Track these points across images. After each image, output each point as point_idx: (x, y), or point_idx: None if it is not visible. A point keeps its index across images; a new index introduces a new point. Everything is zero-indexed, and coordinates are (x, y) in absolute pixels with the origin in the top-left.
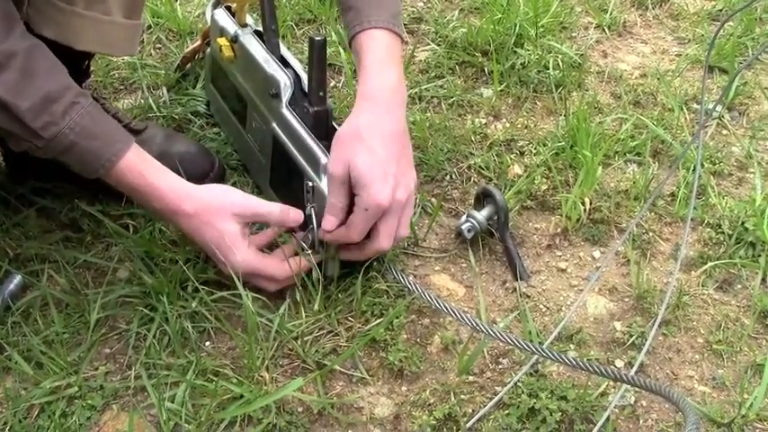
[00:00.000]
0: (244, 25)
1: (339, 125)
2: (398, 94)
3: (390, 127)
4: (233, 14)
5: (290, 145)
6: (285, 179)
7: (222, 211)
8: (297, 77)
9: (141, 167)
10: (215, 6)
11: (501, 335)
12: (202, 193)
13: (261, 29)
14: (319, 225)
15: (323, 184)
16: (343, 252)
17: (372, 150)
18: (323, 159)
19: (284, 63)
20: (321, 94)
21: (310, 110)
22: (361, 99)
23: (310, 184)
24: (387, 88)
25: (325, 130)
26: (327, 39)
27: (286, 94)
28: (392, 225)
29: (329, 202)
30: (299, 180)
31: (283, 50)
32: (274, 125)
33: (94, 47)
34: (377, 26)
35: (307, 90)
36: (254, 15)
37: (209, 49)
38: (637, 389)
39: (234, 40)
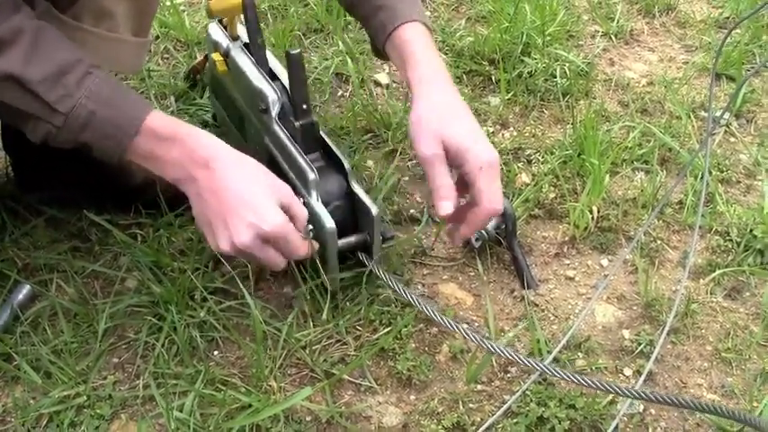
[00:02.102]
0: (235, 38)
1: (325, 132)
2: (449, 75)
3: (461, 101)
4: (225, 28)
5: (281, 160)
6: None
7: (267, 176)
8: (285, 90)
9: (170, 119)
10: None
11: (501, 350)
12: (246, 156)
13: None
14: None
15: (313, 200)
16: (458, 230)
17: (462, 120)
18: (311, 175)
19: (273, 76)
20: (305, 107)
21: (296, 124)
22: (425, 83)
23: (302, 200)
24: (443, 70)
25: (313, 142)
26: (335, 48)
27: (275, 109)
28: (499, 184)
29: (436, 188)
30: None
31: (273, 62)
32: (267, 140)
33: (101, 64)
34: (412, 18)
35: (290, 104)
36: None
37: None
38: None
39: (225, 54)
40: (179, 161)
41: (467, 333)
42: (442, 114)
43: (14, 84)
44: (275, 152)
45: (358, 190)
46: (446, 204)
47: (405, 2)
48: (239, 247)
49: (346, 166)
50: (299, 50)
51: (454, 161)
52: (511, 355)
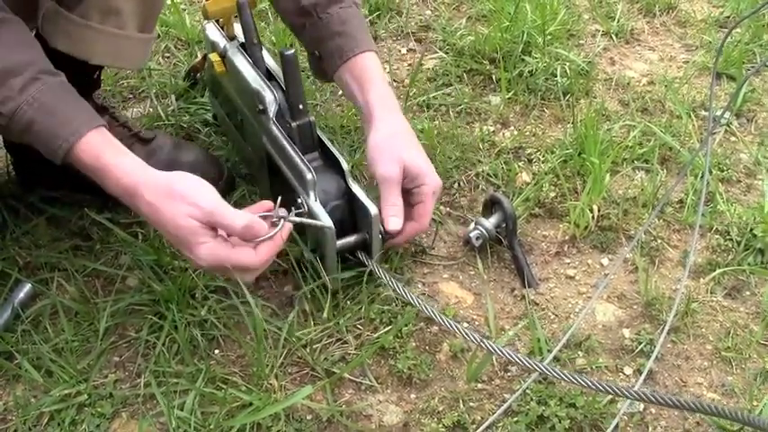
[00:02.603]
0: (232, 38)
1: (323, 131)
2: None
3: (410, 127)
4: (222, 28)
5: (279, 161)
6: (282, 193)
7: (180, 206)
8: (282, 89)
9: (99, 149)
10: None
11: (500, 350)
12: (163, 181)
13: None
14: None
15: (311, 200)
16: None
17: (416, 146)
18: (308, 175)
19: (270, 75)
20: (300, 107)
21: (292, 124)
22: (385, 109)
23: (299, 200)
24: (395, 99)
25: (311, 141)
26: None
27: (272, 110)
28: (433, 206)
29: (389, 206)
30: (293, 194)
31: (270, 62)
32: (265, 140)
33: (108, 61)
34: (370, 49)
35: (287, 104)
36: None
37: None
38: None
39: (223, 54)
40: (111, 189)
41: (466, 333)
42: (402, 140)
43: None
44: (273, 153)
45: (356, 190)
46: (396, 221)
47: (362, 31)
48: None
49: (344, 165)
50: (293, 51)
51: (411, 182)
52: (510, 355)
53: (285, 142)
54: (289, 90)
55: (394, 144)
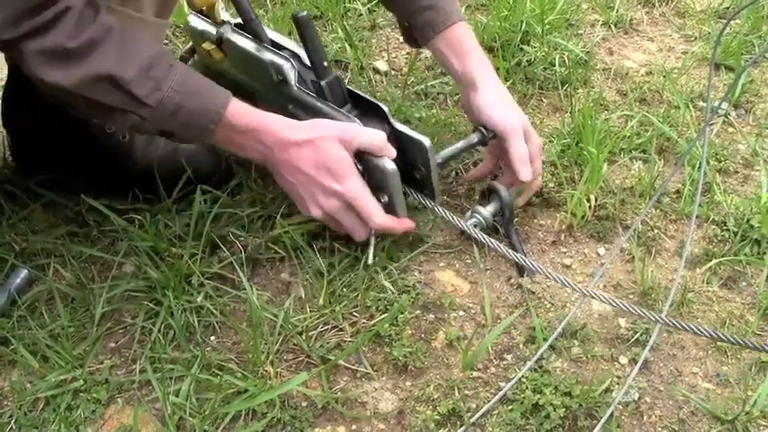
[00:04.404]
0: (221, 23)
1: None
2: None
3: None
4: (207, 16)
5: None
6: None
7: (330, 138)
8: (294, 55)
9: (246, 110)
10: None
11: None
12: (310, 124)
13: (239, 21)
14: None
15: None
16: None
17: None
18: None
19: (276, 46)
20: (325, 64)
21: (321, 83)
22: (487, 73)
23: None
24: (490, 63)
25: (342, 96)
26: (334, 35)
27: (292, 77)
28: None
29: (522, 156)
30: None
31: (271, 34)
32: (291, 108)
33: None
34: (461, 19)
35: (310, 65)
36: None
37: (193, 58)
38: (641, 385)
39: (218, 41)
40: (255, 148)
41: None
42: (509, 98)
43: (109, 82)
44: (305, 117)
45: (402, 127)
46: (527, 170)
47: (451, 3)
48: (326, 212)
49: (383, 107)
50: (305, 12)
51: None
52: (567, 282)
53: (318, 102)
54: (309, 51)
55: (512, 106)
